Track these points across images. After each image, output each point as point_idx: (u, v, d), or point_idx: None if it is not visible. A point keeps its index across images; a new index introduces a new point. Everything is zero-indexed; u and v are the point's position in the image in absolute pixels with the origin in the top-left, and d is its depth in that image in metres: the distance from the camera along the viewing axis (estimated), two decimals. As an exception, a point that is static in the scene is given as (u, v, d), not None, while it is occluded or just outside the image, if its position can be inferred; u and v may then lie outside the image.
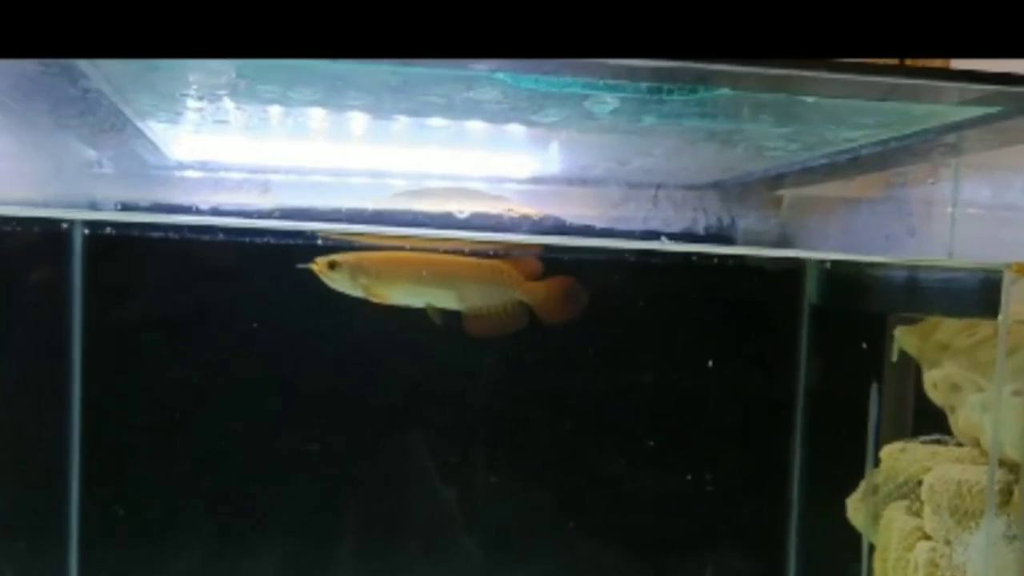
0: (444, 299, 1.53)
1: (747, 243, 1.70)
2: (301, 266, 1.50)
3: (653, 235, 1.48)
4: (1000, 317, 1.31)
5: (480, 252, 1.56)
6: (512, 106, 1.26)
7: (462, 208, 1.55)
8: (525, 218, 1.46)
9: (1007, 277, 1.28)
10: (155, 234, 1.68)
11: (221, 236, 1.67)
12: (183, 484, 1.82)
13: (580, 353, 1.85)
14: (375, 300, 1.51)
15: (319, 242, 1.54)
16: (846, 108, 1.20)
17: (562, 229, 1.46)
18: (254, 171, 1.66)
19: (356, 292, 1.51)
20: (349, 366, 1.84)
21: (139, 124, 1.45)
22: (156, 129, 1.50)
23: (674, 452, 1.86)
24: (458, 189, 1.63)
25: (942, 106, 1.18)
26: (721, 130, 1.34)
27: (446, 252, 1.55)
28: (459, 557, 1.87)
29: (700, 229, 1.69)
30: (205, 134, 1.58)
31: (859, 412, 1.68)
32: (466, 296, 1.53)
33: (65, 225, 1.65)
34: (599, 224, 1.48)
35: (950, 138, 1.31)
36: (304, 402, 1.83)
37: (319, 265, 1.50)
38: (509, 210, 1.54)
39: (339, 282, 1.50)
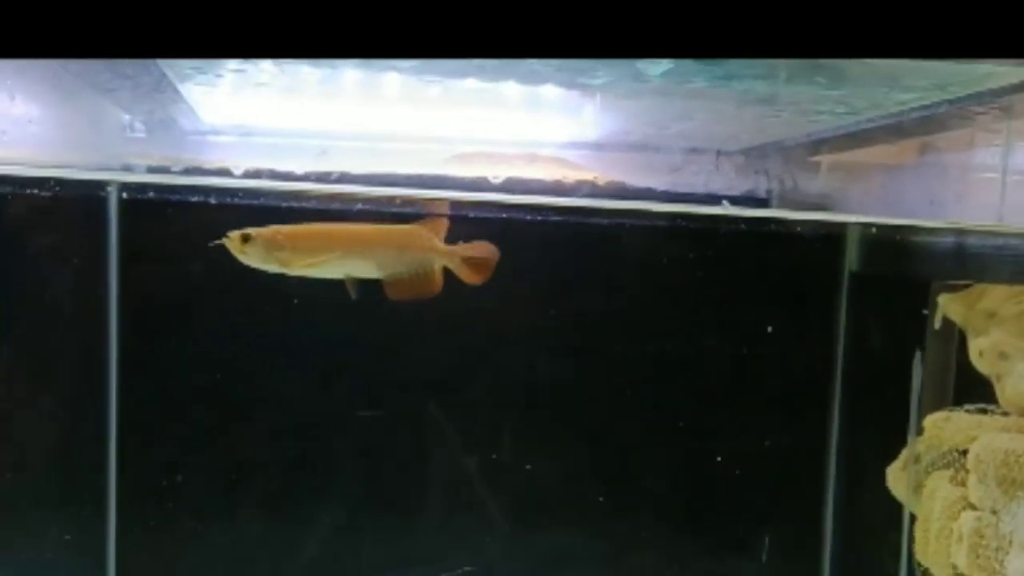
0: (363, 269, 1.50)
1: (786, 208, 1.68)
2: (214, 243, 1.46)
3: (714, 199, 1.46)
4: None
5: (402, 216, 1.54)
6: (558, 66, 1.24)
7: (497, 173, 1.54)
8: (583, 183, 1.44)
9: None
10: (193, 198, 1.67)
11: (259, 200, 1.65)
12: (220, 452, 1.83)
13: (617, 321, 1.83)
14: (293, 274, 1.48)
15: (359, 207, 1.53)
16: (903, 68, 1.17)
17: (623, 193, 1.44)
18: (290, 135, 1.65)
19: (271, 267, 1.47)
20: (383, 331, 1.83)
21: (179, 87, 1.44)
22: (194, 92, 1.49)
23: (711, 421, 1.85)
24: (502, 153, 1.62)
25: (1003, 68, 1.15)
26: (772, 93, 1.32)
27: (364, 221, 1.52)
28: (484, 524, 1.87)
29: (747, 193, 1.67)
30: (243, 97, 1.57)
31: (900, 381, 1.67)
32: (384, 263, 1.50)
33: (103, 190, 1.64)
34: (657, 188, 1.46)
35: (1004, 100, 1.28)
36: (339, 366, 1.83)
37: (232, 240, 1.46)
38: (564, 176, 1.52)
39: (253, 257, 1.46)
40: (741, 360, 1.83)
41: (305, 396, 1.83)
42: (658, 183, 1.46)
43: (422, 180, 1.51)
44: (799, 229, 1.71)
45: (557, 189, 1.44)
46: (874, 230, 1.70)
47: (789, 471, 1.84)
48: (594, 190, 1.43)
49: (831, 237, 1.79)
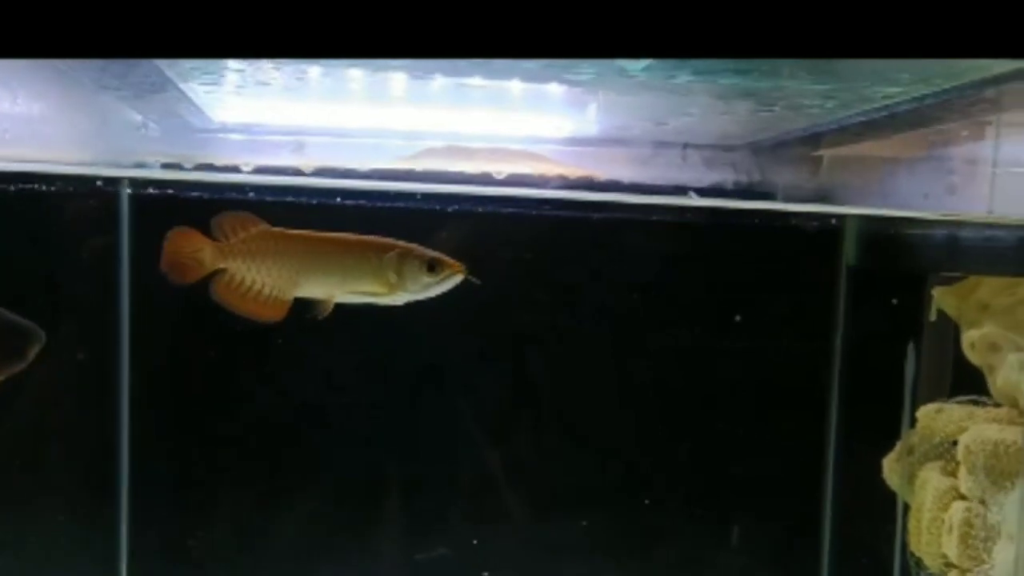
0: None
1: (786, 203, 1.70)
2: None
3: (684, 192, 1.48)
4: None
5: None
6: (545, 63, 1.27)
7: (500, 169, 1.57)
8: (558, 177, 1.46)
9: (1046, 233, 1.27)
10: (202, 194, 1.71)
11: (267, 197, 1.69)
12: (231, 442, 1.87)
13: (620, 313, 1.86)
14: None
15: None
16: (885, 63, 1.19)
17: (603, 187, 1.46)
18: (295, 133, 1.69)
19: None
20: (395, 322, 1.86)
21: (182, 86, 1.48)
22: (199, 91, 1.53)
23: (711, 413, 1.87)
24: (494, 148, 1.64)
25: (984, 59, 1.16)
26: (757, 88, 1.33)
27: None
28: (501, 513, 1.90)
29: (736, 189, 1.69)
30: (247, 96, 1.61)
31: (896, 373, 1.68)
32: None
33: (111, 185, 1.69)
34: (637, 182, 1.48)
35: (991, 92, 1.29)
36: (349, 357, 1.86)
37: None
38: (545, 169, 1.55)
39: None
40: (741, 352, 1.85)
41: (318, 385, 1.87)
42: (639, 177, 1.48)
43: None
44: (795, 225, 1.73)
45: (531, 184, 1.46)
46: (871, 224, 1.72)
47: (788, 462, 1.85)
48: (569, 184, 1.45)
49: (829, 232, 1.80)
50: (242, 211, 1.33)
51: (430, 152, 1.53)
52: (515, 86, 1.39)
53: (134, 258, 1.74)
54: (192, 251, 1.32)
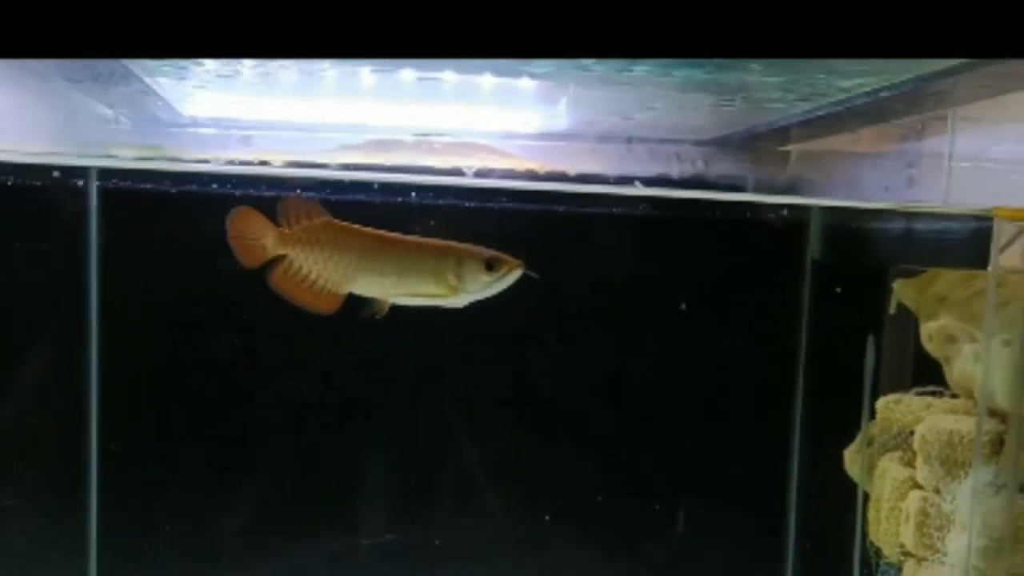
0: None
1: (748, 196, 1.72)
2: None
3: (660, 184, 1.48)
4: (990, 265, 1.32)
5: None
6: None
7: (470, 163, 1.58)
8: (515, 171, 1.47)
9: (997, 223, 1.28)
10: (170, 188, 1.72)
11: (235, 190, 1.71)
12: (205, 445, 1.88)
13: (583, 308, 1.87)
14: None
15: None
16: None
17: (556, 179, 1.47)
18: (265, 128, 1.70)
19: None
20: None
21: (148, 80, 1.49)
22: (165, 85, 1.54)
23: (679, 406, 1.88)
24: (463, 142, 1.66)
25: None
26: (712, 80, 1.35)
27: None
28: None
29: (705, 183, 1.70)
30: (216, 91, 1.62)
31: (859, 366, 1.69)
32: None
33: (80, 178, 1.70)
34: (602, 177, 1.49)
35: (943, 86, 1.30)
36: (323, 357, 1.87)
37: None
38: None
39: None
40: (709, 347, 1.87)
41: (292, 385, 1.88)
42: (596, 169, 1.49)
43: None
44: (762, 220, 1.75)
45: (489, 176, 1.47)
46: (833, 218, 1.73)
47: (753, 453, 1.87)
48: (529, 177, 1.46)
49: (795, 226, 1.82)
50: (308, 199, 1.33)
51: (376, 143, 1.54)
52: (449, 77, 1.40)
53: (103, 250, 1.75)
54: (256, 235, 1.30)
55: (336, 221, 1.31)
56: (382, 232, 1.33)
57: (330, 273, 1.30)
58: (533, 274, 1.31)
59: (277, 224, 1.31)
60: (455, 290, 1.30)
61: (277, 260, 1.30)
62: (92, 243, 1.75)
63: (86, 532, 1.81)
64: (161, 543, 1.86)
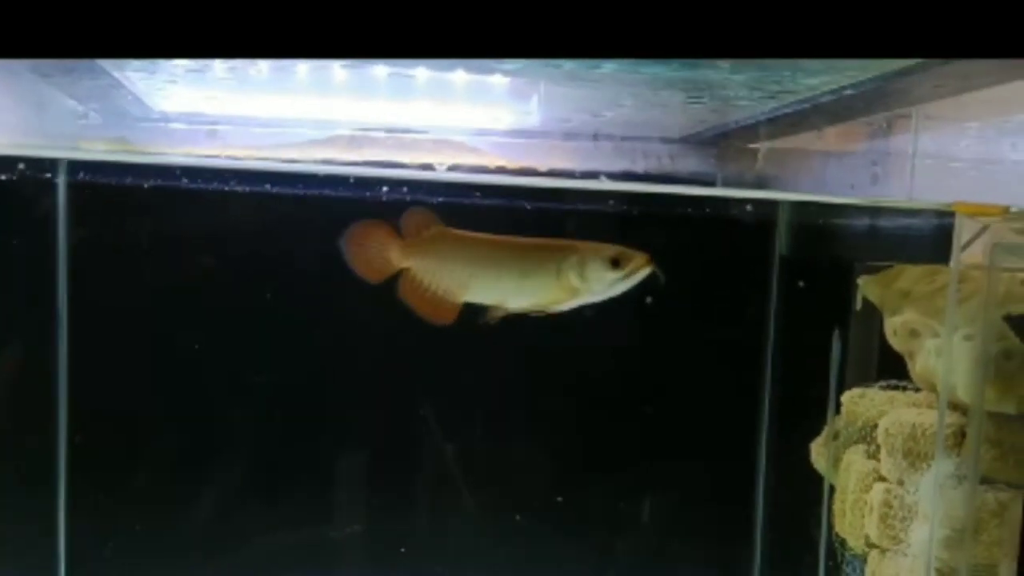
0: None
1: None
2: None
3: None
4: (952, 260, 1.34)
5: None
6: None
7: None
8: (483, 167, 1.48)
9: (959, 218, 1.31)
10: (140, 182, 1.72)
11: (206, 185, 1.71)
12: (176, 446, 1.88)
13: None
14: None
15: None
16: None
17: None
18: (233, 122, 1.70)
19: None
20: (338, 313, 1.88)
21: (117, 75, 1.49)
22: (135, 80, 1.54)
23: (647, 401, 1.90)
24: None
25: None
26: (679, 77, 1.36)
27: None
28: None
29: (674, 179, 1.72)
30: (186, 86, 1.62)
31: (826, 361, 1.72)
32: None
33: (48, 174, 1.70)
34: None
35: (904, 84, 1.32)
36: (286, 353, 1.88)
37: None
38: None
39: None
40: (680, 342, 1.88)
41: (255, 381, 1.88)
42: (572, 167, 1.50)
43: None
44: (732, 217, 1.77)
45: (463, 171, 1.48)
46: (801, 215, 1.75)
47: (723, 448, 1.89)
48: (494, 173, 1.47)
49: (764, 222, 1.84)
50: (424, 208, 1.30)
51: (338, 138, 1.54)
52: (422, 74, 1.41)
53: (72, 245, 1.74)
54: (380, 248, 1.27)
55: (449, 229, 1.29)
56: (495, 236, 1.29)
57: (446, 282, 1.27)
58: (660, 272, 1.26)
59: (400, 235, 1.28)
60: (578, 291, 1.26)
61: (400, 272, 1.27)
62: (61, 238, 1.75)
63: (54, 530, 1.81)
64: (128, 539, 1.86)
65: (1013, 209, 1.22)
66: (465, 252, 1.28)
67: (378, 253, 1.27)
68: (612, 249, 1.26)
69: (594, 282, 1.25)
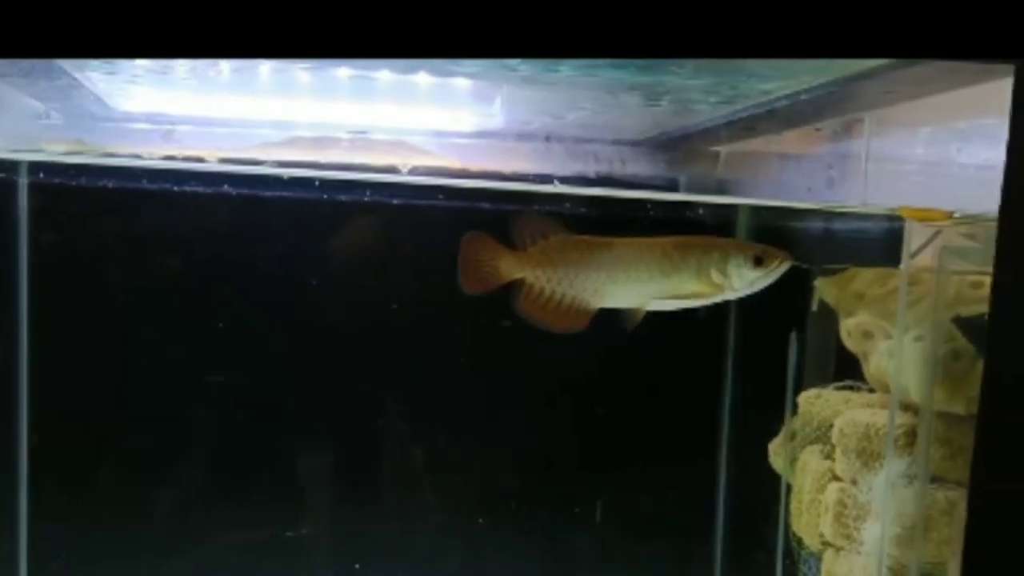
0: None
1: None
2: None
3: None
4: (902, 263, 1.36)
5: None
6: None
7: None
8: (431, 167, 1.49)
9: (908, 222, 1.33)
10: (103, 183, 1.71)
11: (170, 187, 1.71)
12: (142, 449, 1.87)
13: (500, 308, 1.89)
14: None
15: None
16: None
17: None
18: (195, 123, 1.70)
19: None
20: (307, 310, 1.88)
21: (77, 75, 1.49)
22: (95, 80, 1.54)
23: (607, 401, 1.91)
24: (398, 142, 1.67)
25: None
26: (635, 81, 1.38)
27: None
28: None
29: (635, 183, 1.74)
30: (145, 85, 1.62)
31: (783, 362, 1.74)
32: None
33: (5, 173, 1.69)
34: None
35: (857, 88, 1.35)
36: (255, 351, 1.88)
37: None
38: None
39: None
40: (638, 344, 1.90)
41: (222, 384, 1.88)
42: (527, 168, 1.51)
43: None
44: (696, 220, 1.78)
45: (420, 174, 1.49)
46: (760, 218, 1.77)
47: (683, 449, 1.90)
48: (437, 173, 1.48)
49: (724, 225, 1.86)
50: (543, 215, 1.27)
51: (299, 140, 1.55)
52: (384, 75, 1.42)
53: (32, 249, 1.74)
54: (489, 259, 1.25)
55: (575, 236, 1.26)
56: (627, 239, 1.27)
57: (577, 290, 1.25)
58: (804, 266, 1.27)
59: (512, 244, 1.26)
60: (720, 288, 1.26)
61: (516, 283, 1.25)
62: (22, 240, 1.74)
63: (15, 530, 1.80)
64: (90, 540, 1.85)
65: (957, 214, 1.25)
66: (601, 257, 1.26)
67: (487, 265, 1.26)
68: (755, 247, 1.26)
69: (736, 279, 1.25)
